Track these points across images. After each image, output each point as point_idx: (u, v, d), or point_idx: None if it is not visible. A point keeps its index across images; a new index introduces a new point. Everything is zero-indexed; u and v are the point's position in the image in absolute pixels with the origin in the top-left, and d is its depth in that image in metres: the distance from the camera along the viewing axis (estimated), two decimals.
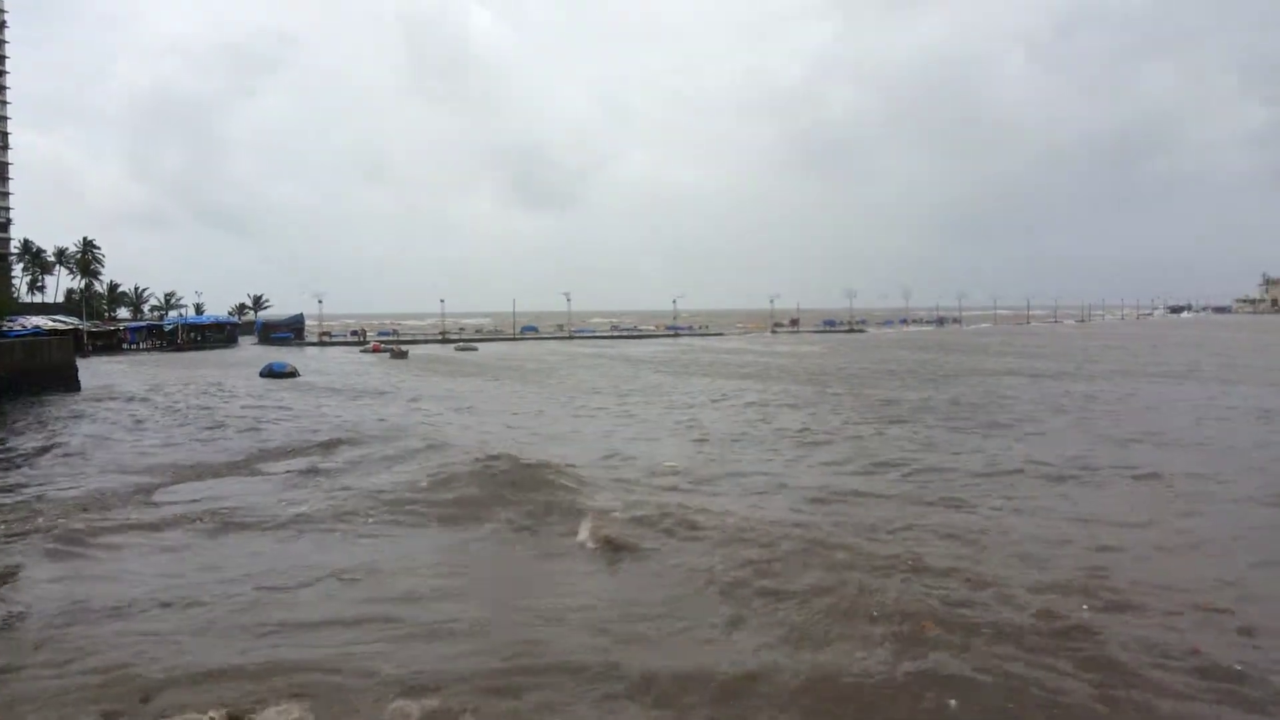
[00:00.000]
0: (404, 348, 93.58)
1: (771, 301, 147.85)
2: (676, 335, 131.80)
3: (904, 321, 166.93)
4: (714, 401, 40.67)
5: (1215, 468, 21.68)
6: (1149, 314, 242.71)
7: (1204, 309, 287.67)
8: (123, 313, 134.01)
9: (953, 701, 9.22)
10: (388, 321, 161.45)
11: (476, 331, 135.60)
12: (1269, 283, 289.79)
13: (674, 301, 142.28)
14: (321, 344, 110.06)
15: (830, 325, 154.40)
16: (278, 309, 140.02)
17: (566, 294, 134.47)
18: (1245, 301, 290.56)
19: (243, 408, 38.97)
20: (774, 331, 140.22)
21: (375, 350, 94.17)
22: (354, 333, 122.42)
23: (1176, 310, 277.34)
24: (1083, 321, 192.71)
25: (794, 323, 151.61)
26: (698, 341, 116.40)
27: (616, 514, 17.28)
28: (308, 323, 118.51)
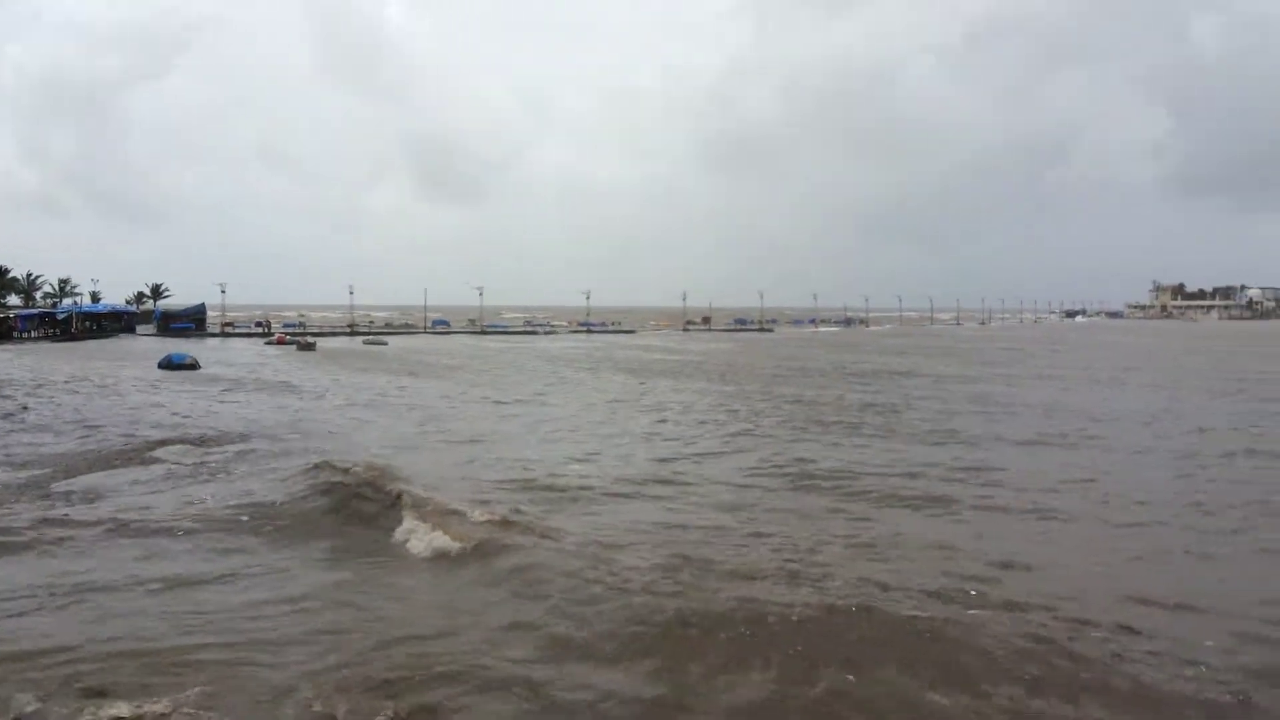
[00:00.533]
0: (311, 340, 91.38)
1: (684, 299, 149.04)
2: (590, 331, 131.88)
3: (813, 322, 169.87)
4: (632, 400, 40.72)
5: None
6: (1042, 318, 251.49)
7: (1098, 313, 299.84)
8: (13, 300, 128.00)
9: None
10: (294, 313, 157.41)
11: (386, 325, 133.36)
12: (1158, 289, 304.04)
13: (586, 297, 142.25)
14: (224, 335, 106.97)
15: (741, 324, 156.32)
16: (179, 299, 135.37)
17: (479, 288, 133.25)
18: (1136, 307, 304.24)
19: (130, 407, 37.18)
20: (686, 329, 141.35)
21: (280, 342, 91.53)
22: (259, 324, 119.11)
23: (1072, 314, 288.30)
24: (983, 324, 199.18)
25: (706, 321, 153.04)
26: (611, 338, 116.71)
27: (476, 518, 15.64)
28: (210, 313, 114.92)
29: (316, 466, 20.12)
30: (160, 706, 8.51)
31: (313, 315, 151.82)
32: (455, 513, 15.86)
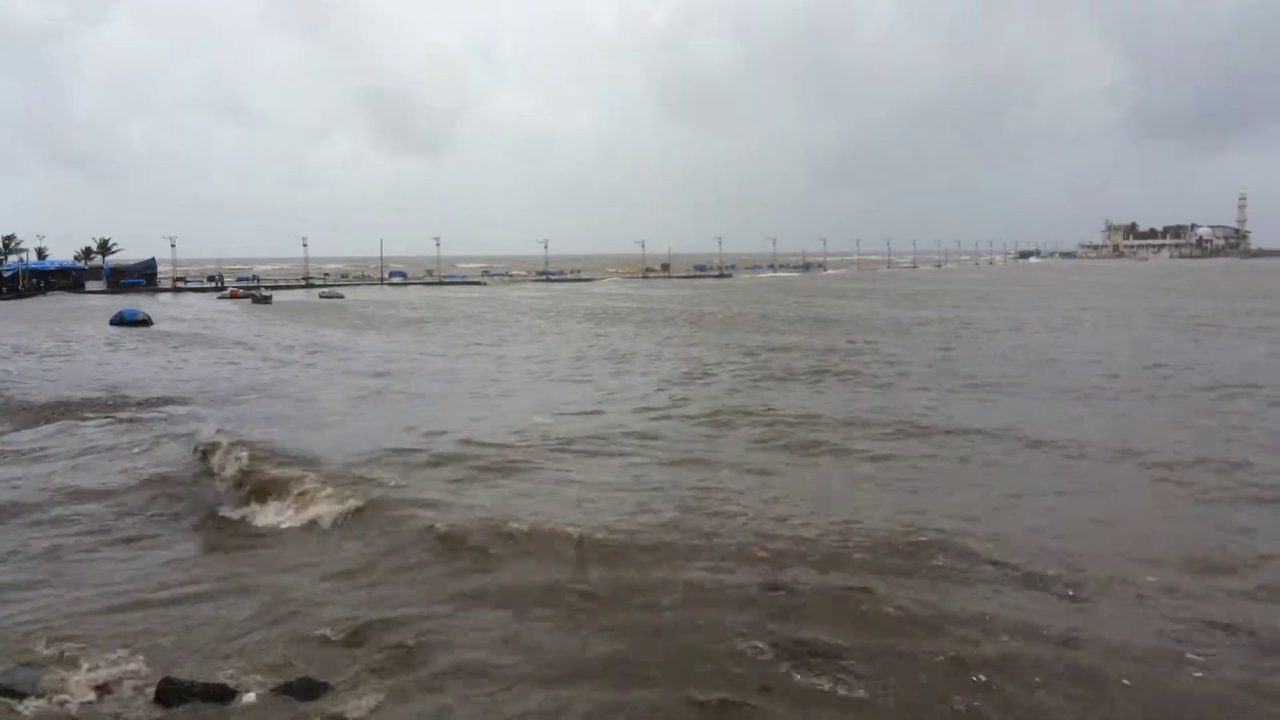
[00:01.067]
0: (266, 293, 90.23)
1: (642, 246, 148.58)
2: (549, 280, 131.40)
3: (771, 267, 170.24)
4: (608, 357, 40.71)
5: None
6: (995, 259, 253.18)
7: (1052, 254, 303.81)
8: None
9: None
10: (246, 266, 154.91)
11: (342, 277, 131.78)
12: (1110, 229, 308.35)
13: (544, 246, 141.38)
14: (176, 290, 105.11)
15: (701, 270, 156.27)
16: (128, 254, 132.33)
17: (436, 239, 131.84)
18: (1089, 247, 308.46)
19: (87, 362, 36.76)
20: (645, 276, 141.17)
21: (234, 296, 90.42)
22: (211, 278, 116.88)
23: (1025, 255, 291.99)
24: (939, 267, 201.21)
25: (665, 268, 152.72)
26: (571, 286, 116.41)
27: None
28: (161, 268, 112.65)
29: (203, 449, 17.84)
30: None
31: (266, 269, 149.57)
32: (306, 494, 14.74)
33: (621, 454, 17.96)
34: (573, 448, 18.45)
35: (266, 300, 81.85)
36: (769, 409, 22.65)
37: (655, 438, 19.43)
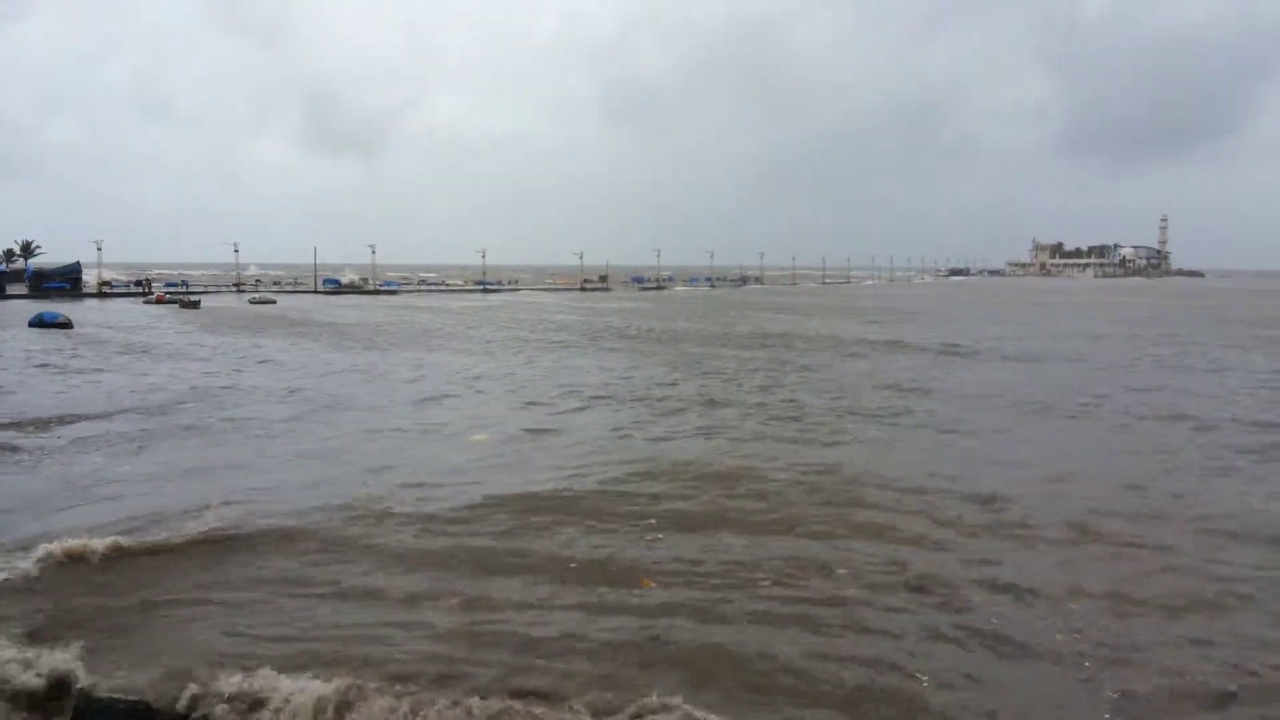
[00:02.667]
0: (194, 298, 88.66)
1: (580, 258, 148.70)
2: (486, 291, 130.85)
3: (708, 281, 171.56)
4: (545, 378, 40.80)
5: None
6: (912, 279, 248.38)
7: (981, 271, 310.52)
8: None
9: None
10: (175, 272, 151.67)
11: (274, 284, 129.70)
12: (1037, 248, 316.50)
13: (482, 256, 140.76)
14: (101, 295, 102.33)
15: (639, 282, 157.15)
16: (52, 257, 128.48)
17: (371, 246, 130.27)
18: (1017, 265, 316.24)
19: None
20: (583, 289, 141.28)
21: (160, 301, 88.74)
22: (138, 283, 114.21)
23: (957, 273, 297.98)
24: (890, 281, 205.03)
25: (603, 279, 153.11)
26: (509, 298, 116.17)
27: None
28: (86, 272, 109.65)
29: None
30: None
31: (196, 274, 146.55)
32: None
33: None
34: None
35: (194, 305, 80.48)
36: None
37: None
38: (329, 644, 9.55)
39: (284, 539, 13.17)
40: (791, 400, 27.23)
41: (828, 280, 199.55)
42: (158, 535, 13.01)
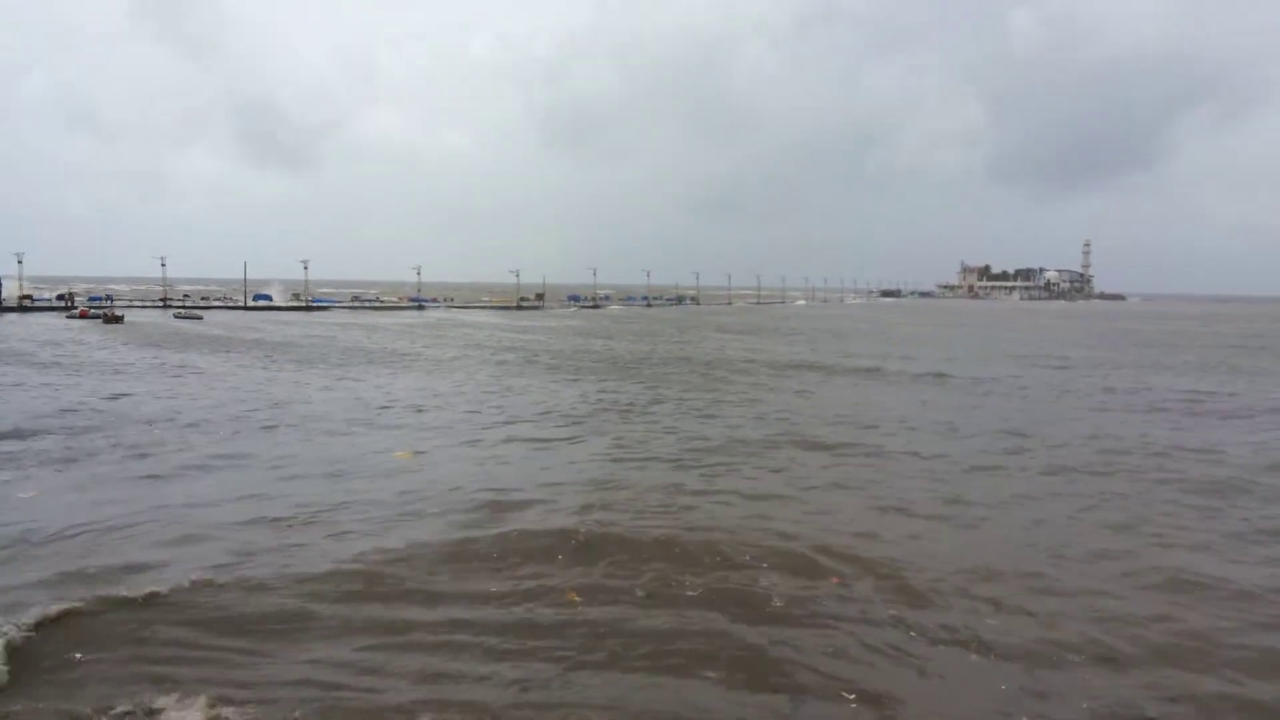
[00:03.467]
0: (118, 313, 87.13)
1: (516, 276, 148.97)
2: (421, 308, 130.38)
3: (645, 300, 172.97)
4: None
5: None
6: (843, 298, 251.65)
7: (912, 293, 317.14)
8: None
9: None
10: (100, 286, 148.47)
11: (203, 298, 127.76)
12: (965, 271, 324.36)
13: (417, 273, 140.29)
14: (22, 309, 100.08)
15: (575, 300, 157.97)
16: None
17: (304, 261, 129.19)
18: (946, 287, 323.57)
19: None
20: (520, 307, 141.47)
21: (84, 315, 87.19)
22: (61, 296, 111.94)
23: (889, 294, 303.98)
24: (825, 301, 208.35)
25: (539, 298, 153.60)
26: (444, 315, 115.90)
27: None
28: (6, 285, 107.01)
29: None
30: None
31: (123, 288, 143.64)
32: None
33: None
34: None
35: (118, 320, 79.16)
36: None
37: None
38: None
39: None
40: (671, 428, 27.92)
41: (762, 300, 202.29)
42: None
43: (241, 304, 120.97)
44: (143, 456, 20.68)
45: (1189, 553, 14.07)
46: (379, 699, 8.96)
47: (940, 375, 42.05)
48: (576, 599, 11.59)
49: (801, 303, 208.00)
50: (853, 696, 9.13)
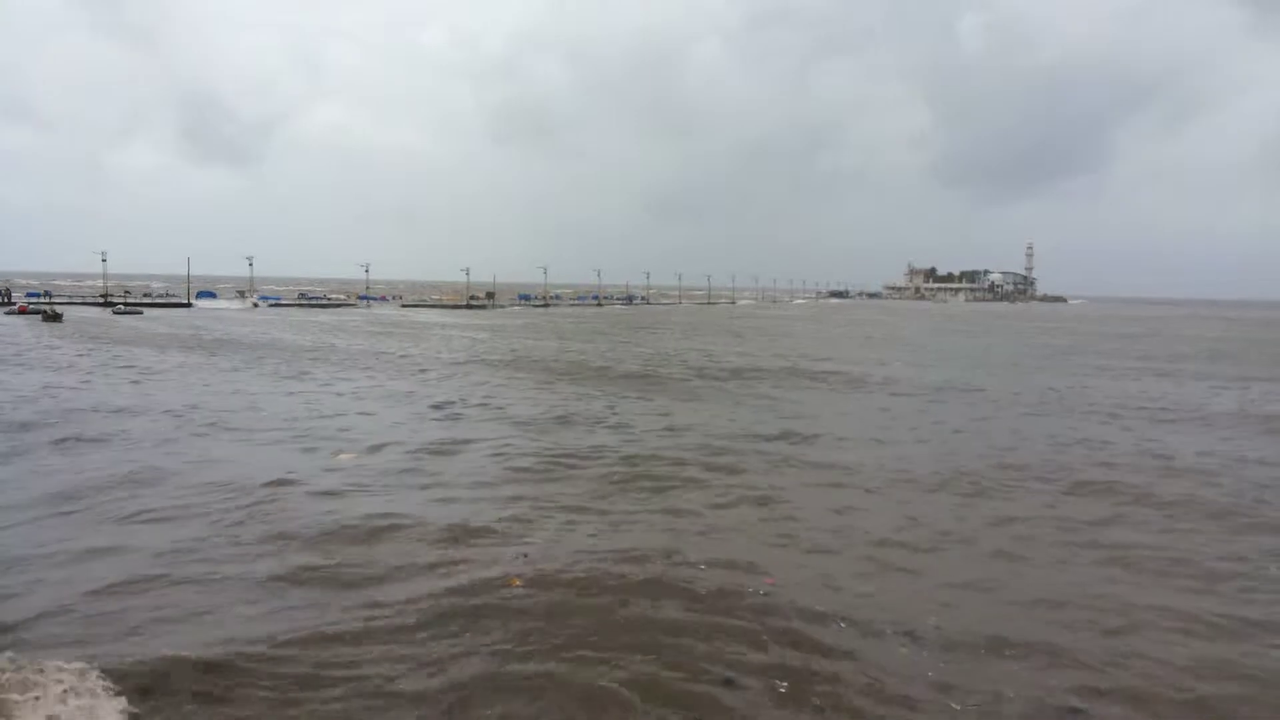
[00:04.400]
0: (58, 310, 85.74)
1: (467, 274, 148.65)
2: (369, 305, 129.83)
3: (595, 299, 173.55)
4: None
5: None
6: (793, 298, 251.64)
7: (859, 294, 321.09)
8: None
9: None
10: (39, 282, 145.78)
11: (145, 295, 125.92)
12: (912, 272, 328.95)
13: (366, 270, 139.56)
14: None
15: (525, 299, 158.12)
16: None
17: (249, 257, 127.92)
18: (893, 289, 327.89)
19: None
20: (470, 305, 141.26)
21: (23, 311, 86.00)
22: None
23: (837, 295, 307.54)
24: (770, 303, 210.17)
25: (490, 296, 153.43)
26: (390, 312, 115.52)
27: None
28: None
29: None
30: None
31: (64, 283, 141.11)
32: None
33: None
34: None
35: (57, 318, 77.93)
36: None
37: None
38: None
39: None
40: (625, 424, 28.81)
41: (712, 300, 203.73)
42: None
43: (184, 301, 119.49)
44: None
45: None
46: None
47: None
48: (518, 583, 12.10)
49: (744, 302, 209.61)
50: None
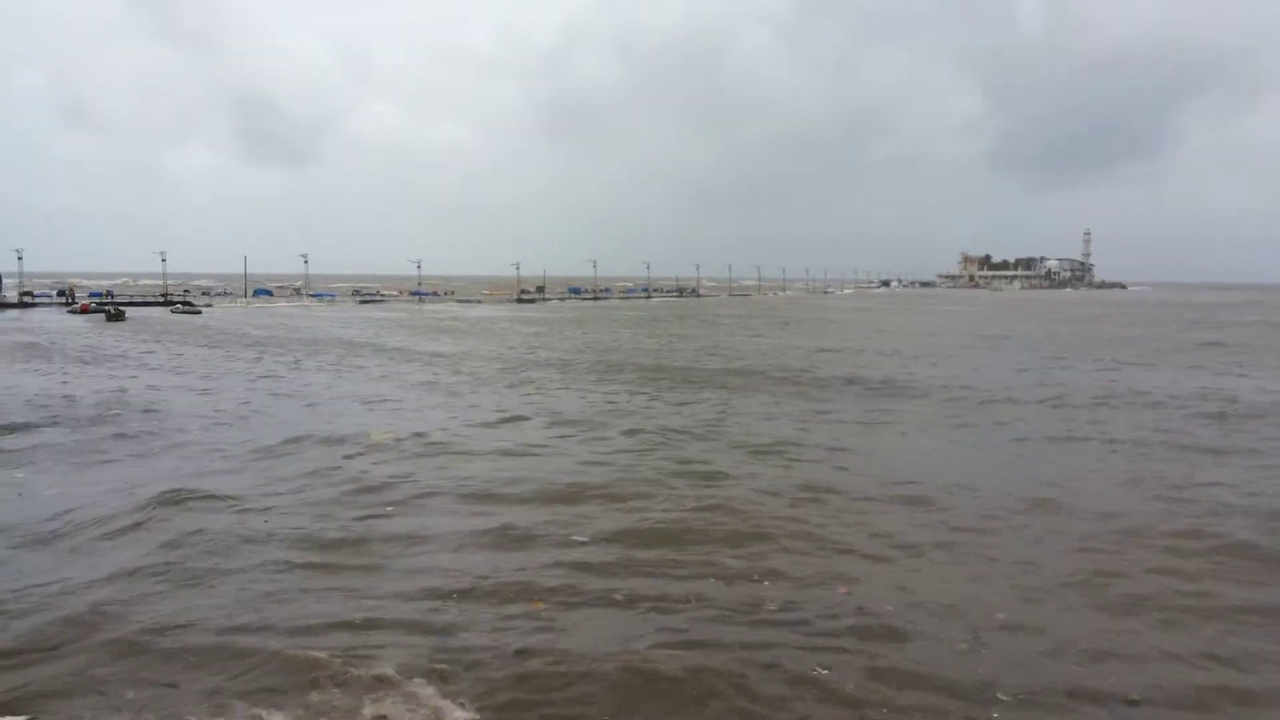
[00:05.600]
0: (120, 308, 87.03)
1: (517, 269, 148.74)
2: (422, 301, 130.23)
3: (645, 291, 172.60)
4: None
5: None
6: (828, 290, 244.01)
7: (911, 284, 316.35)
8: None
9: None
10: (101, 281, 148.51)
11: (203, 294, 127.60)
12: (965, 260, 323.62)
13: (417, 266, 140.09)
14: (23, 305, 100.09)
15: (575, 293, 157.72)
16: None
17: (304, 255, 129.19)
18: (946, 277, 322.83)
19: None
20: (520, 300, 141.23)
21: (85, 310, 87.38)
22: (61, 292, 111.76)
23: (885, 284, 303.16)
24: (814, 293, 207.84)
25: (540, 290, 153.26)
26: (445, 308, 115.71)
27: None
28: (6, 281, 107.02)
29: None
30: None
31: (123, 283, 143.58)
32: None
33: None
34: None
35: (120, 317, 78.95)
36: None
37: None
38: None
39: None
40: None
41: (762, 291, 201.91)
42: None
43: (242, 298, 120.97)
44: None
45: None
46: None
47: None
48: (541, 605, 11.18)
49: (783, 294, 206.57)
50: None
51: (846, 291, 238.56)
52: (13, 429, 22.64)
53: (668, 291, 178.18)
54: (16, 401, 27.34)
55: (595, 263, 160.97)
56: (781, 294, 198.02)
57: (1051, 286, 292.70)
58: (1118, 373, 37.99)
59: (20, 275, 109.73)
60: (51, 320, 75.60)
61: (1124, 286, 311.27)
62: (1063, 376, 36.30)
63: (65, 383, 32.73)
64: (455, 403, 28.72)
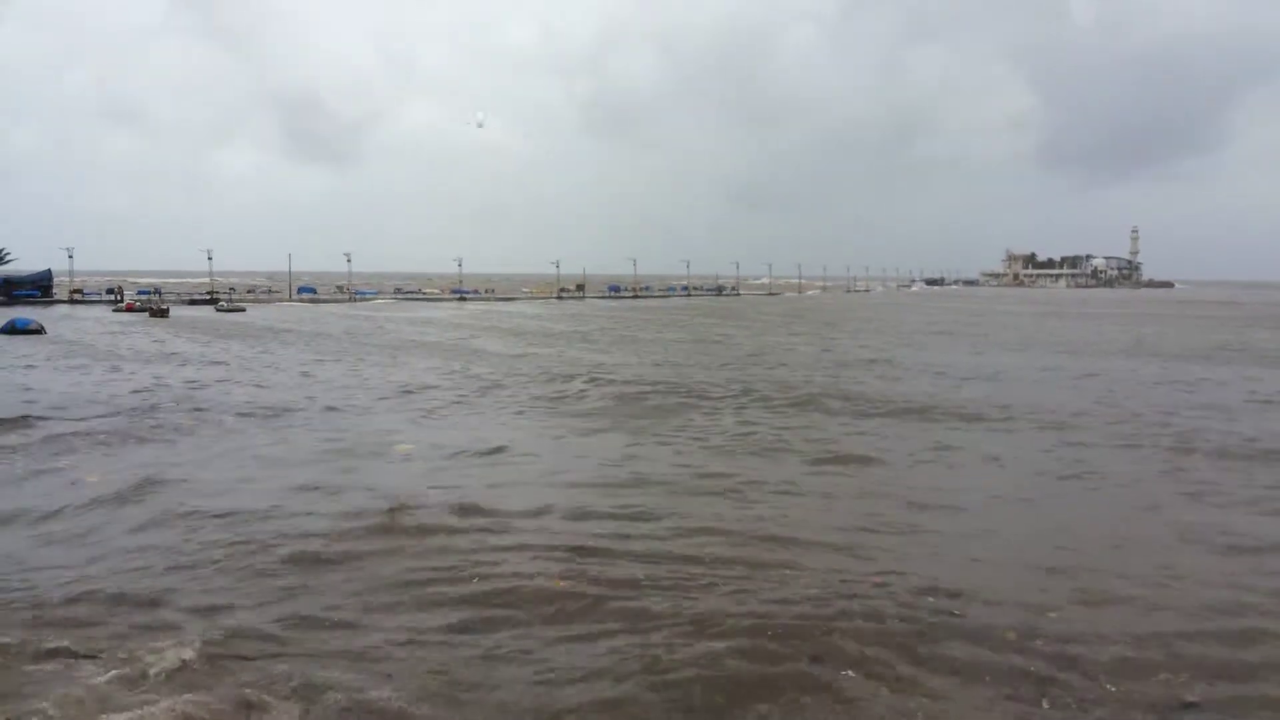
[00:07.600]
0: (164, 306, 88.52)
1: (557, 266, 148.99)
2: (463, 299, 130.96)
3: (685, 289, 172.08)
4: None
5: None
6: (872, 287, 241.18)
7: (955, 282, 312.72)
8: None
9: None
10: (148, 279, 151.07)
11: (248, 292, 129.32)
12: (1010, 258, 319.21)
13: (459, 264, 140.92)
14: (73, 302, 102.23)
15: (615, 291, 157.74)
16: (23, 264, 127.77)
17: (347, 254, 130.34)
18: (991, 275, 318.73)
19: None
20: (560, 297, 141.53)
21: (130, 309, 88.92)
22: (110, 290, 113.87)
23: (933, 283, 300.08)
24: (849, 292, 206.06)
25: (580, 288, 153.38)
26: (487, 306, 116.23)
27: None
28: (57, 279, 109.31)
29: None
30: None
31: (169, 281, 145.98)
32: None
33: None
34: None
35: (163, 314, 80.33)
36: None
37: None
38: None
39: None
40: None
41: (801, 290, 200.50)
42: None
43: (286, 296, 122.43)
44: None
45: None
46: None
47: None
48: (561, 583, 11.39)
49: (813, 292, 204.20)
50: None
51: (879, 290, 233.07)
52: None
53: (707, 290, 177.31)
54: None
55: (635, 261, 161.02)
56: (819, 292, 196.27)
57: (1098, 285, 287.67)
58: None
59: (70, 274, 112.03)
60: (97, 318, 76.89)
61: (1171, 285, 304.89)
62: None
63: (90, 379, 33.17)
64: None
